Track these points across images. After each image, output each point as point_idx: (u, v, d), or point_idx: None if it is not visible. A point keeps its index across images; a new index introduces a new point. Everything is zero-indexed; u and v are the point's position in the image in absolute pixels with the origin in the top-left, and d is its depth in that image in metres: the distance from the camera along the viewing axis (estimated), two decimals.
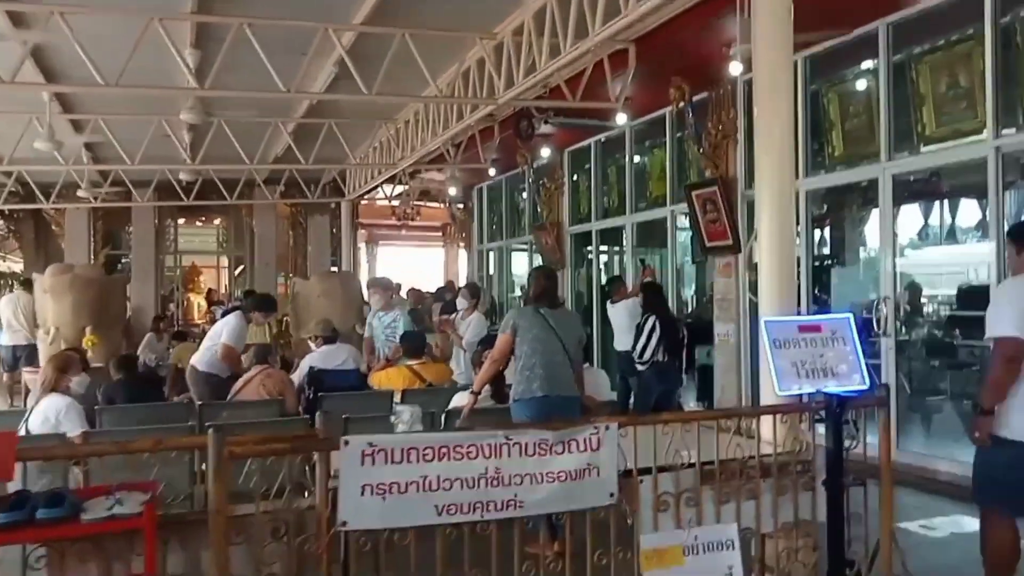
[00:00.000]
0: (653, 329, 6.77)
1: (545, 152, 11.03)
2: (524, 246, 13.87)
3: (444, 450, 2.50)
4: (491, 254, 15.36)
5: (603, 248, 11.59)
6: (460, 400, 4.50)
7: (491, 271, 15.48)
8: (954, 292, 12.61)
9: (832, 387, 3.20)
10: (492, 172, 12.92)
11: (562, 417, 4.16)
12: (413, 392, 5.38)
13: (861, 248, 13.92)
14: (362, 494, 2.39)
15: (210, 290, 17.65)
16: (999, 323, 3.21)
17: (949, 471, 6.03)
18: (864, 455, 3.33)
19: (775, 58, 4.27)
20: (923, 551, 4.55)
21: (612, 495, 2.83)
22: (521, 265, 14.30)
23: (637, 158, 10.44)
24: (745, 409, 2.98)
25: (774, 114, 3.67)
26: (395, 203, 15.74)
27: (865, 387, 3.28)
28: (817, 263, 8.30)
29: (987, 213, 5.93)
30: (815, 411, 3.22)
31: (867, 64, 7.05)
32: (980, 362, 9.01)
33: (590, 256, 11.66)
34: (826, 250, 11.76)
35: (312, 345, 6.21)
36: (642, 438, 2.94)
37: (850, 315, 3.35)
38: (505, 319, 4.49)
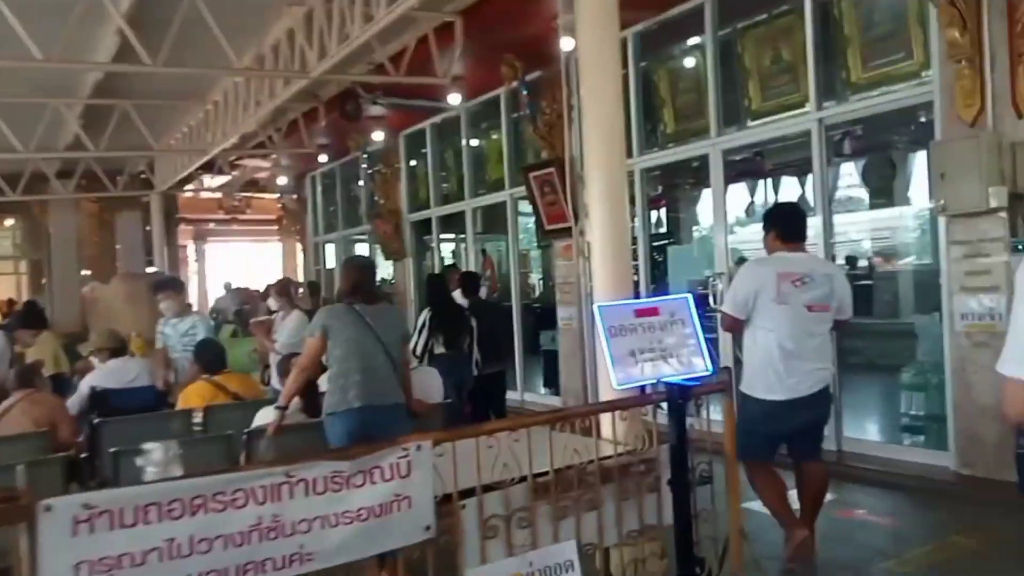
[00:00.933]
0: (425, 323, 6.31)
1: (378, 136, 10.35)
2: (366, 237, 13.15)
3: (199, 501, 1.91)
4: (329, 247, 14.49)
5: (446, 236, 11.11)
6: (266, 417, 3.86)
7: (330, 265, 14.61)
8: None
9: (673, 375, 2.88)
10: (323, 158, 12.08)
11: (385, 429, 3.70)
12: (217, 409, 4.67)
13: (695, 226, 14.35)
14: None
15: (10, 300, 15.57)
16: (727, 300, 3.78)
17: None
18: (708, 440, 3.05)
19: (600, 34, 3.94)
20: (775, 535, 4.43)
21: (428, 528, 2.35)
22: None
23: (475, 141, 10.04)
24: (579, 409, 2.58)
25: (601, 92, 3.33)
26: (217, 195, 14.46)
27: (708, 372, 3.00)
28: (655, 243, 8.24)
29: (812, 186, 5.99)
30: (657, 403, 2.90)
31: (695, 40, 6.97)
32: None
33: (433, 245, 11.16)
34: (663, 230, 11.95)
35: (95, 361, 5.30)
36: (464, 452, 2.48)
37: (688, 295, 3.06)
38: (314, 320, 3.89)
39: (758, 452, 3.68)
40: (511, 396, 9.17)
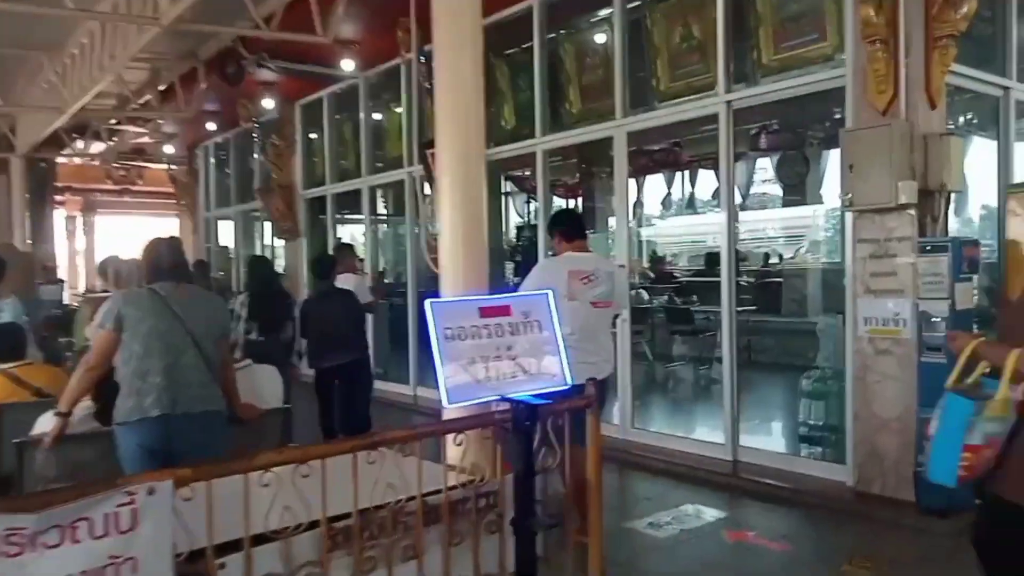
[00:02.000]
0: (242, 306, 5.71)
1: (268, 103, 9.53)
2: (259, 214, 12.21)
3: None
4: (224, 224, 13.48)
5: (343, 215, 10.34)
6: (45, 424, 3.14)
7: (224, 243, 13.61)
8: (699, 259, 12.92)
9: (522, 389, 2.33)
10: (211, 126, 11.16)
11: (193, 443, 3.04)
12: (16, 407, 3.89)
13: (611, 217, 13.96)
14: None
15: None
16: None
17: (684, 451, 5.66)
18: (564, 472, 2.53)
19: (457, 18, 3.31)
20: (647, 559, 3.98)
21: None
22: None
23: (377, 115, 9.31)
24: (395, 433, 1.99)
25: (455, 72, 2.70)
26: (95, 163, 13.24)
27: (566, 385, 2.46)
28: None
29: (719, 173, 5.58)
30: (501, 424, 2.34)
31: (604, 12, 6.46)
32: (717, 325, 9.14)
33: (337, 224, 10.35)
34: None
35: None
36: (230, 492, 1.87)
37: (549, 292, 2.50)
38: (105, 306, 3.17)
39: None
40: (404, 391, 8.59)
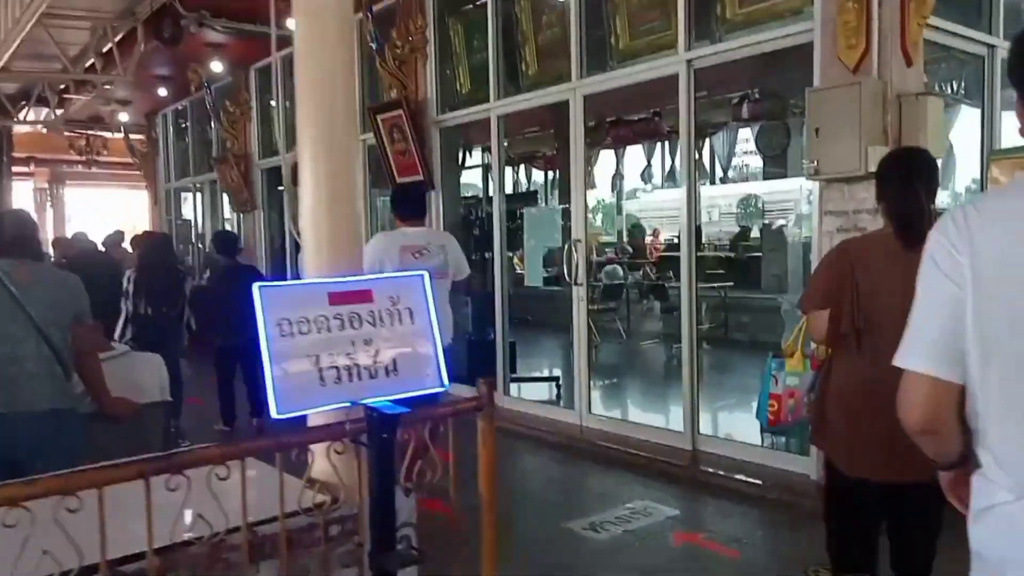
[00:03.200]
0: (128, 282, 5.42)
1: (216, 67, 8.98)
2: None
3: None
4: (187, 195, 12.96)
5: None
6: None
7: (187, 216, 13.10)
8: (675, 233, 12.48)
9: (381, 394, 1.90)
10: (163, 92, 10.60)
11: (32, 448, 2.61)
12: None
13: (590, 189, 13.47)
14: None
15: None
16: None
17: (643, 439, 5.27)
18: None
19: None
20: (578, 567, 3.58)
21: None
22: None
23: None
24: (207, 452, 1.53)
25: (319, 34, 2.21)
26: (46, 132, 12.65)
27: (442, 388, 2.03)
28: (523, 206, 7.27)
29: (680, 142, 5.12)
30: (353, 437, 1.91)
31: None
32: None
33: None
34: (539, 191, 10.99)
35: None
36: None
37: (425, 273, 2.06)
38: None
39: None
40: None
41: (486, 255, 6.97)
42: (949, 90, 5.31)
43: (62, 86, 10.43)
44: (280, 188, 9.71)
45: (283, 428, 1.85)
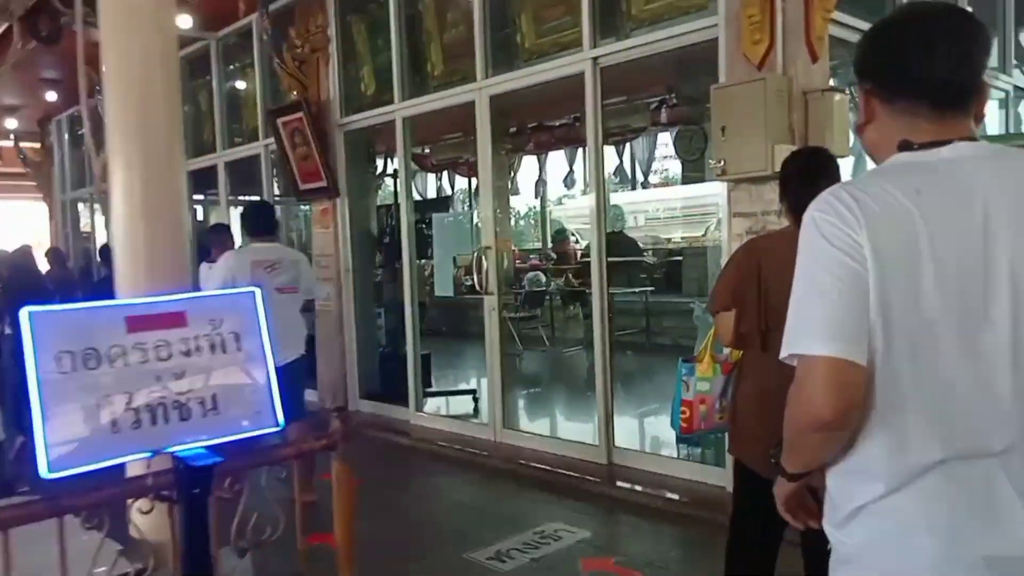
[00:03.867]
0: None
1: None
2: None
3: None
4: (83, 206, 12.17)
5: (206, 194, 9.29)
6: None
7: (84, 228, 12.30)
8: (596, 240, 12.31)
9: (195, 439, 1.57)
10: (52, 97, 9.91)
11: None
12: None
13: (513, 196, 13.25)
14: None
15: None
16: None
17: (559, 454, 5.02)
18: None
19: None
20: None
21: None
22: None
23: (243, 84, 8.29)
24: None
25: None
26: None
27: (275, 428, 1.71)
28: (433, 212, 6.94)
29: (588, 146, 4.92)
30: (158, 493, 1.57)
31: None
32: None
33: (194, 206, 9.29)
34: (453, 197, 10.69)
35: None
36: None
37: (256, 290, 1.75)
38: None
39: None
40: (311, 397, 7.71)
41: (396, 265, 6.65)
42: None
43: None
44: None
45: (70, 484, 1.51)
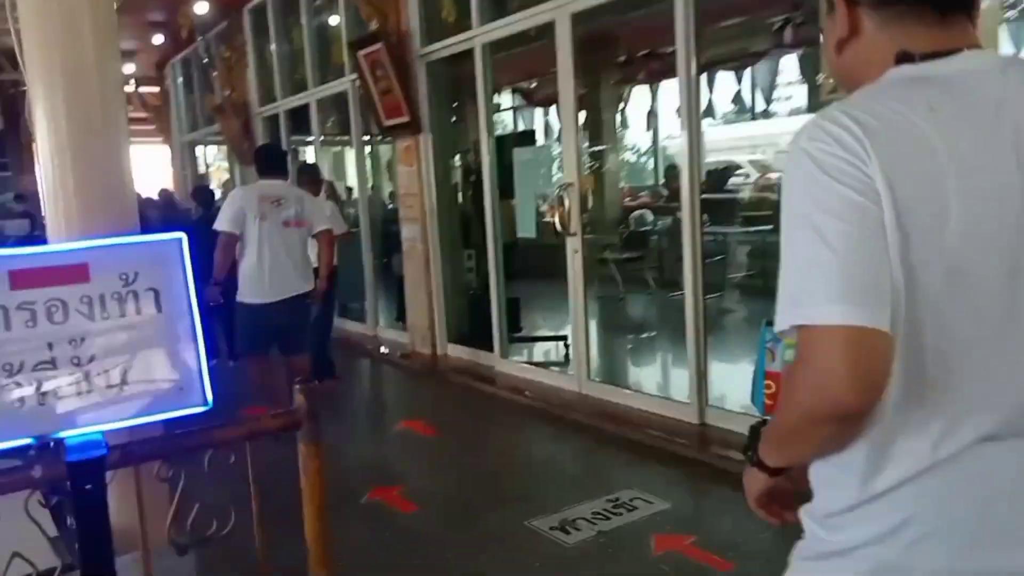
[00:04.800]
0: None
1: (201, 8, 8.37)
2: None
3: None
4: (199, 149, 12.55)
5: (301, 136, 9.22)
6: None
7: (202, 170, 12.72)
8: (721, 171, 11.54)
9: (97, 422, 1.28)
10: (159, 39, 10.08)
11: None
12: None
13: (623, 129, 12.56)
14: None
15: None
16: (220, 220, 4.49)
17: (650, 412, 4.59)
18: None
19: None
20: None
21: None
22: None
23: (331, 18, 8.06)
24: None
25: None
26: None
27: (202, 406, 1.39)
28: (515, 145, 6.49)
29: (681, 71, 4.31)
30: (47, 488, 1.30)
31: None
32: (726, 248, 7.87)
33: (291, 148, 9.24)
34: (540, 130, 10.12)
35: None
36: None
37: (182, 235, 1.41)
38: None
39: (254, 347, 4.62)
40: (360, 329, 7.67)
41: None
42: None
43: None
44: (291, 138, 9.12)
45: None
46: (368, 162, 10.89)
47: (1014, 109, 0.94)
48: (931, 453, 0.92)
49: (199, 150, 12.60)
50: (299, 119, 8.51)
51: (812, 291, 0.88)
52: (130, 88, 13.06)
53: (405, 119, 6.24)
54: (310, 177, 6.20)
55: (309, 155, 8.61)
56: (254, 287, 4.47)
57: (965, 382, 0.93)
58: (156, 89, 12.44)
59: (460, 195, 6.93)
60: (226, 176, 12.41)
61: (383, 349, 7.12)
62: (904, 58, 0.97)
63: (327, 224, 4.81)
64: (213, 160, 13.63)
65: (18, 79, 11.65)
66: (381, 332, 7.54)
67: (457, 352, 6.46)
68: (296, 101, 8.31)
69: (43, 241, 6.69)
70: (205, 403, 1.38)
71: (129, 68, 11.30)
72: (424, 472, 4.26)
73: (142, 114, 14.28)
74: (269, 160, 4.78)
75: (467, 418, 5.22)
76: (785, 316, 0.90)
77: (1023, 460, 0.94)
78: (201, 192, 7.51)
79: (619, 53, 10.20)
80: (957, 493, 0.93)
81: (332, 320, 6.21)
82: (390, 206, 8.75)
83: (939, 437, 0.92)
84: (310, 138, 8.37)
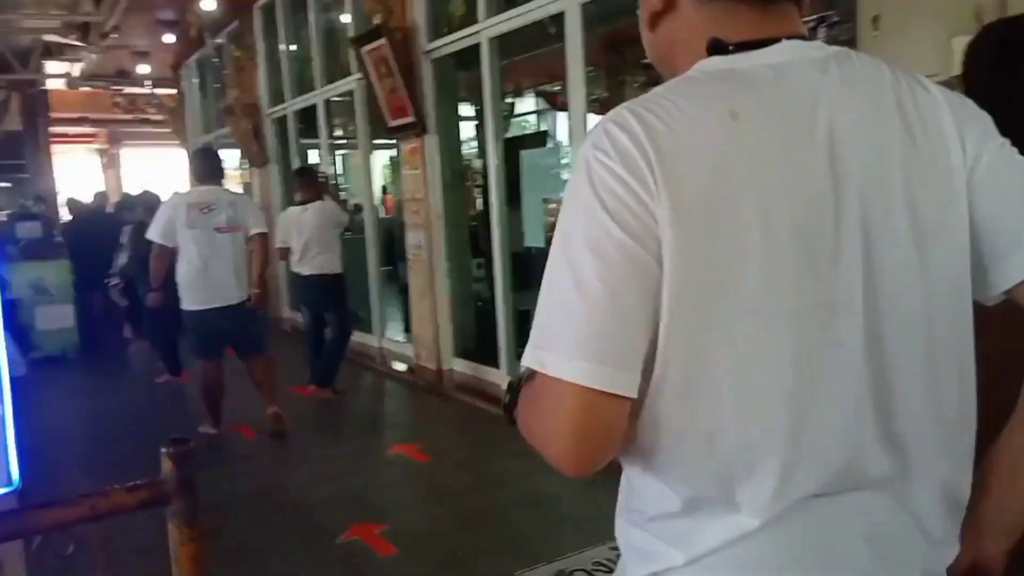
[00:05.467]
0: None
1: (208, 6, 8.13)
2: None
3: None
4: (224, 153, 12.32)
5: (309, 138, 8.92)
6: None
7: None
8: None
9: None
10: (168, 39, 9.89)
11: None
12: None
13: None
14: None
15: None
16: (152, 231, 4.70)
17: None
18: None
19: None
20: None
21: None
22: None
23: (338, 15, 7.77)
24: None
25: None
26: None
27: (8, 486, 1.04)
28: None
29: None
30: None
31: None
32: None
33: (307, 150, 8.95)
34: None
35: None
36: None
37: None
38: None
39: (206, 352, 4.71)
40: (365, 340, 7.34)
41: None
42: None
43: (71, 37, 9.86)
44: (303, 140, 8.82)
45: None
46: (389, 167, 10.65)
47: (830, 108, 0.81)
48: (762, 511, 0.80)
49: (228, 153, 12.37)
50: (308, 121, 8.23)
51: (555, 336, 0.77)
52: (147, 90, 12.98)
53: (410, 119, 5.91)
54: (307, 180, 5.93)
55: (316, 159, 8.29)
56: (193, 294, 4.59)
57: (771, 427, 0.80)
58: (173, 91, 12.26)
59: (468, 200, 6.57)
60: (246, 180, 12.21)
61: (394, 364, 6.79)
62: (716, 48, 0.83)
63: (261, 228, 4.85)
64: (236, 164, 13.42)
65: (36, 79, 11.54)
66: (387, 344, 7.21)
67: (462, 367, 6.10)
68: (304, 102, 8.02)
69: (60, 245, 6.54)
70: (9, 483, 1.03)
71: (144, 69, 11.16)
72: (412, 506, 3.89)
73: (160, 116, 14.20)
74: (204, 166, 4.86)
75: (466, 443, 4.86)
76: (528, 353, 0.79)
77: (858, 511, 0.82)
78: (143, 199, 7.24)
79: (645, 53, 9.80)
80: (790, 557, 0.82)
81: (349, 332, 5.94)
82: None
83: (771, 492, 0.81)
84: (318, 141, 8.07)
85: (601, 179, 0.76)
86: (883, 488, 0.82)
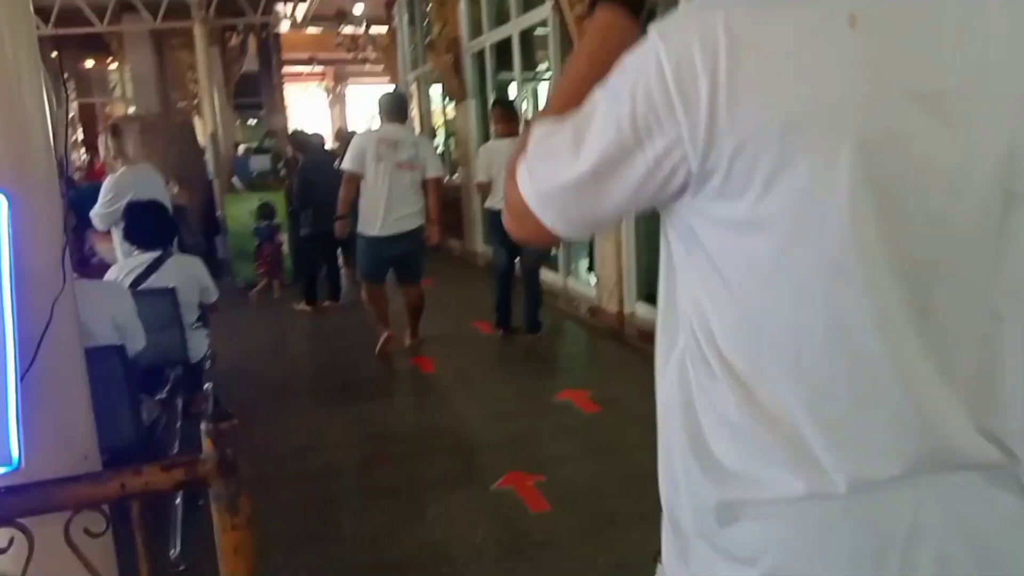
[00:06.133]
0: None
1: None
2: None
3: None
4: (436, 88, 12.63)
5: (506, 71, 8.77)
6: None
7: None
8: None
9: None
10: None
11: None
12: None
13: None
14: None
15: None
16: (346, 162, 5.13)
17: None
18: None
19: None
20: None
21: None
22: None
23: None
24: None
25: None
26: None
27: (7, 464, 0.95)
28: None
29: None
30: None
31: None
32: None
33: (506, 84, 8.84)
34: None
35: None
36: None
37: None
38: None
39: (372, 275, 5.20)
40: (551, 278, 7.20)
41: None
42: None
43: None
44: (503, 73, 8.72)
45: None
46: None
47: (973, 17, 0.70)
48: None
49: (434, 89, 12.66)
50: (504, 55, 8.07)
51: (544, 179, 0.84)
52: (360, 29, 13.53)
53: None
54: (506, 112, 5.80)
55: (513, 93, 8.13)
56: (371, 221, 5.00)
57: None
58: (385, 29, 12.65)
59: None
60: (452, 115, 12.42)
61: (577, 304, 6.62)
62: None
63: (438, 171, 5.23)
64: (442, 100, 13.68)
65: (268, 21, 12.30)
66: (571, 283, 7.03)
67: (645, 312, 5.77)
68: (501, 34, 7.85)
69: (282, 178, 7.06)
70: (8, 462, 0.94)
71: (359, 9, 11.57)
72: (573, 459, 3.72)
73: (375, 54, 14.80)
74: (391, 107, 5.22)
75: (641, 395, 4.55)
76: (523, 179, 0.85)
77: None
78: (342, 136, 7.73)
79: None
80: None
81: (537, 270, 5.86)
82: None
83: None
84: (513, 75, 7.89)
85: (646, 90, 0.75)
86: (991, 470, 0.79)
